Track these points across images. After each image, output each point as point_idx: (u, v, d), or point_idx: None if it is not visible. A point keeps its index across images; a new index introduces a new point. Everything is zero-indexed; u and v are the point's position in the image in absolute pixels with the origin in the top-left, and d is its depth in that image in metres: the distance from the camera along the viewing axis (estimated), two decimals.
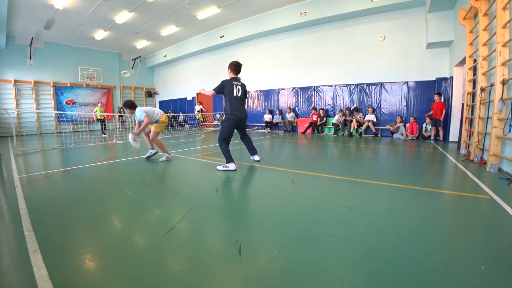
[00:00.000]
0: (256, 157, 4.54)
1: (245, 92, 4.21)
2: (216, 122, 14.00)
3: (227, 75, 4.28)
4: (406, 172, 3.89)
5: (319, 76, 10.61)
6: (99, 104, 12.47)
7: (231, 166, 3.94)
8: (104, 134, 11.07)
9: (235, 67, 4.16)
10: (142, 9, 10.22)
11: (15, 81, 12.69)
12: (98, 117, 11.50)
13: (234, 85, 4.09)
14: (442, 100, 7.80)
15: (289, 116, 11.24)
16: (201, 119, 14.36)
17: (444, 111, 7.45)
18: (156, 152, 4.99)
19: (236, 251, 1.61)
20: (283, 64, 11.61)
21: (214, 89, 4.12)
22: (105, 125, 11.79)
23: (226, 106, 4.10)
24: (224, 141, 4.05)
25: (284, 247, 1.69)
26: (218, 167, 4.02)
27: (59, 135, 11.67)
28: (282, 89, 11.81)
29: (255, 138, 8.97)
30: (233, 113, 4.04)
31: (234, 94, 4.06)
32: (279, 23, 10.64)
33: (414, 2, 8.04)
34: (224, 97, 4.11)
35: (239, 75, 4.25)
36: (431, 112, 7.75)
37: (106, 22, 11.40)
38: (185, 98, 16.49)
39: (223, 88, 4.06)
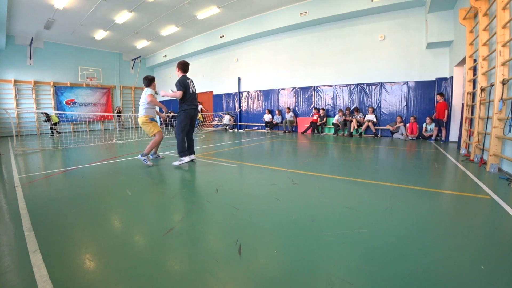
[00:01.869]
0: (193, 156, 4.51)
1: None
2: (215, 122, 13.98)
3: (180, 75, 4.31)
4: (406, 172, 3.89)
5: (319, 76, 10.61)
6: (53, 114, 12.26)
7: (186, 159, 4.20)
8: (52, 136, 11.34)
9: (184, 66, 4.32)
10: (142, 9, 10.22)
11: (15, 81, 12.69)
12: (55, 121, 11.77)
13: (189, 82, 4.28)
14: (444, 100, 7.79)
15: (288, 116, 11.24)
16: (201, 119, 14.36)
17: (447, 111, 7.41)
18: (158, 157, 4.85)
19: (236, 251, 1.61)
20: (283, 64, 11.60)
21: (180, 90, 4.14)
22: (52, 129, 11.82)
23: (185, 101, 4.24)
24: (183, 132, 4.25)
25: (284, 247, 1.69)
26: (174, 163, 4.24)
27: (59, 135, 11.67)
28: (282, 89, 11.81)
29: (255, 138, 8.97)
30: (191, 106, 4.27)
31: (191, 91, 4.29)
32: (279, 23, 10.64)
33: (414, 2, 8.04)
34: (181, 95, 4.19)
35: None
36: (434, 114, 7.71)
37: (106, 22, 11.40)
38: None
39: (186, 85, 4.17)
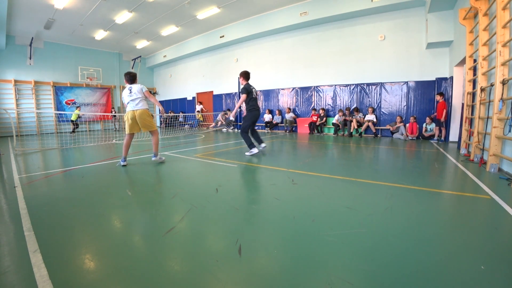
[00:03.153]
0: (263, 145, 5.49)
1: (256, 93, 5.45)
2: (213, 124, 13.86)
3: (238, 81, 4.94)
4: (406, 172, 3.89)
5: (319, 76, 10.60)
6: (78, 109, 13.04)
7: (255, 150, 5.16)
8: (73, 133, 12.30)
9: (246, 75, 5.30)
10: (142, 9, 10.22)
11: (15, 81, 12.68)
12: (74, 118, 12.39)
13: (252, 88, 5.22)
14: (444, 100, 7.79)
15: (288, 116, 11.23)
16: (201, 119, 14.36)
17: (445, 111, 7.43)
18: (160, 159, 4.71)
19: (236, 251, 1.61)
20: (283, 64, 11.60)
21: (242, 93, 5.16)
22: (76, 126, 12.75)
23: (250, 103, 5.22)
24: (248, 130, 5.29)
25: (284, 247, 1.69)
26: (246, 153, 5.21)
27: (59, 135, 11.67)
28: (282, 89, 11.80)
29: None
30: (255, 108, 5.23)
31: (253, 95, 5.24)
32: (279, 23, 10.63)
33: (414, 2, 8.04)
34: (246, 98, 5.17)
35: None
36: (435, 114, 7.73)
37: (106, 22, 11.40)
38: (185, 98, 16.50)
39: (249, 90, 5.15)
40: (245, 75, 5.28)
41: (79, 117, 12.89)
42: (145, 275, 1.38)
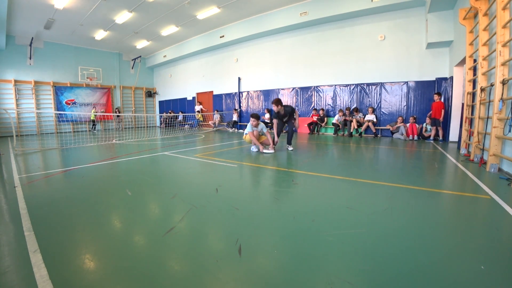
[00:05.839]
0: (290, 147, 6.37)
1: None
2: (212, 122, 13.93)
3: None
4: (406, 172, 3.89)
5: (319, 76, 10.61)
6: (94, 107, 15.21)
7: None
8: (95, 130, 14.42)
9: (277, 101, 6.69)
10: (142, 9, 10.22)
11: (15, 81, 12.69)
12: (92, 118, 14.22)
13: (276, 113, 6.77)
14: (442, 100, 7.81)
15: None
16: (201, 119, 14.36)
17: (443, 111, 7.46)
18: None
19: (236, 251, 1.61)
20: (283, 64, 11.60)
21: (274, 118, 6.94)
22: (94, 125, 14.63)
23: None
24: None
25: (284, 247, 1.69)
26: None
27: (59, 135, 11.67)
28: (282, 89, 11.80)
29: None
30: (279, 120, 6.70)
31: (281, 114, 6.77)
32: (279, 23, 10.64)
33: (414, 2, 8.04)
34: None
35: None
36: (430, 112, 7.80)
37: (106, 22, 11.41)
38: (185, 98, 16.50)
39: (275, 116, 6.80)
40: (276, 102, 6.69)
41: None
42: (145, 275, 1.38)
